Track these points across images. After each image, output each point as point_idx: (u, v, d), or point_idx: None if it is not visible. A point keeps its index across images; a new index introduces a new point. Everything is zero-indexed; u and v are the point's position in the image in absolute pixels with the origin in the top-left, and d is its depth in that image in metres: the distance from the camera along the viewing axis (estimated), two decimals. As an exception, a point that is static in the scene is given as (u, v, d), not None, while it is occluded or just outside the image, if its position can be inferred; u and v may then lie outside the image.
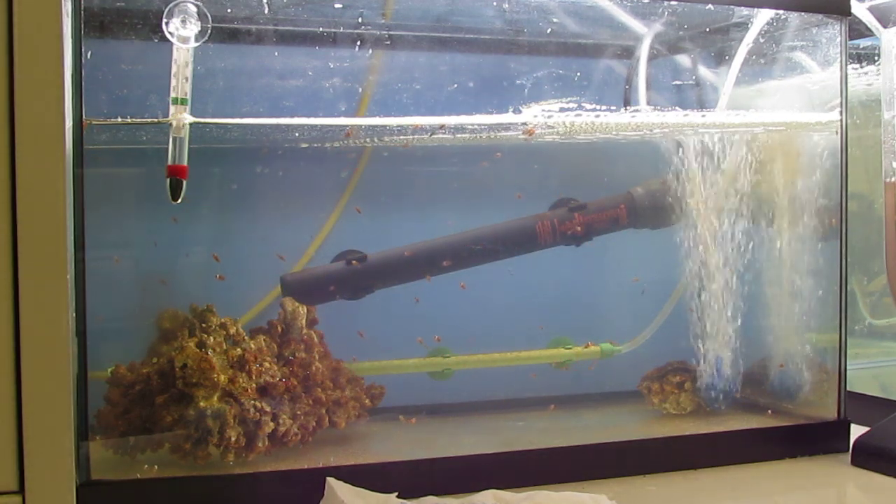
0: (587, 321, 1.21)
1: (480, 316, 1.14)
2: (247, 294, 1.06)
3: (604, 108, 1.05)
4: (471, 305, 1.14)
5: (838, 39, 1.08)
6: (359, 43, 1.06)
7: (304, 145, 1.08)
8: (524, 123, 1.03)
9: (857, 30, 1.12)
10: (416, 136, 1.04)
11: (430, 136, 1.03)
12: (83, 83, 0.80)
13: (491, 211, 1.13)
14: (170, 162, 0.88)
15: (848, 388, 1.09)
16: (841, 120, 1.08)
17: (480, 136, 1.06)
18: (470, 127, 1.03)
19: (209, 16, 0.89)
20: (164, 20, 0.87)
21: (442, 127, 1.01)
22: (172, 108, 0.88)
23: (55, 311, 0.70)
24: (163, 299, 1.01)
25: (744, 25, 1.11)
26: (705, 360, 1.13)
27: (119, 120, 0.91)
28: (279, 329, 1.01)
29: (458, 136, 1.06)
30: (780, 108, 1.14)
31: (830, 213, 1.10)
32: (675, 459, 1.01)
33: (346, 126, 1.04)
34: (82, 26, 0.80)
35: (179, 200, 0.88)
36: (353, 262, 1.06)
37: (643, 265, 1.21)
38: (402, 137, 1.04)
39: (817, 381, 1.12)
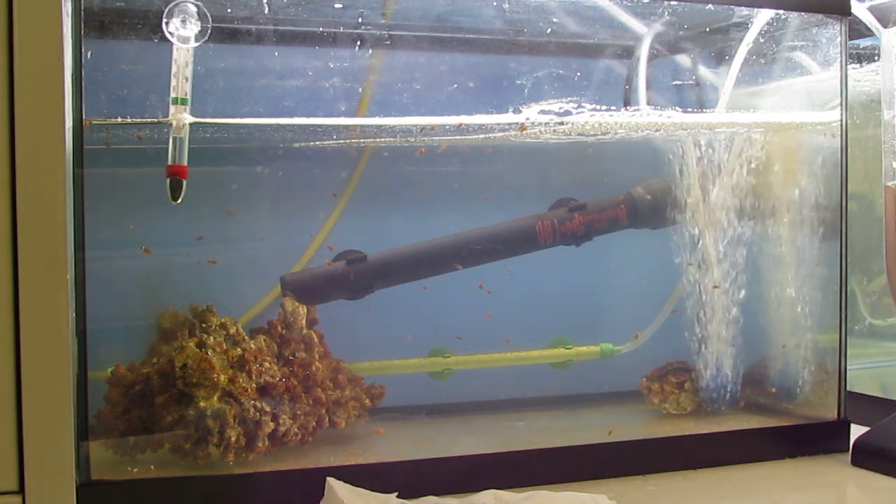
0: (587, 321, 1.21)
1: (479, 316, 1.14)
2: (247, 294, 1.06)
3: (604, 108, 1.05)
4: (470, 305, 1.14)
5: (838, 39, 1.08)
6: (359, 43, 1.06)
7: (304, 145, 1.08)
8: (529, 120, 1.03)
9: (857, 30, 1.12)
10: (450, 138, 1.05)
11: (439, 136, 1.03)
12: (83, 83, 0.80)
13: (491, 211, 1.13)
14: (170, 162, 0.88)
15: (848, 388, 1.09)
16: (841, 120, 1.08)
17: (482, 137, 1.06)
18: (470, 127, 1.03)
19: (209, 16, 0.89)
20: (164, 20, 0.87)
21: (460, 125, 1.01)
22: (172, 108, 0.88)
23: (55, 311, 0.70)
24: (164, 299, 1.01)
25: (744, 25, 1.11)
26: (705, 361, 1.13)
27: (119, 120, 0.91)
28: (279, 329, 1.01)
29: (457, 137, 1.06)
30: (780, 108, 1.14)
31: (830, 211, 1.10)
32: (675, 459, 1.01)
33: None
34: (82, 26, 0.80)
35: (179, 200, 0.88)
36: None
37: (642, 265, 1.21)
38: (439, 139, 1.05)
39: (817, 382, 1.12)
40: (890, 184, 1.06)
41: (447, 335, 1.13)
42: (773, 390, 1.13)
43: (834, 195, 1.09)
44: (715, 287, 1.13)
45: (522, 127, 1.03)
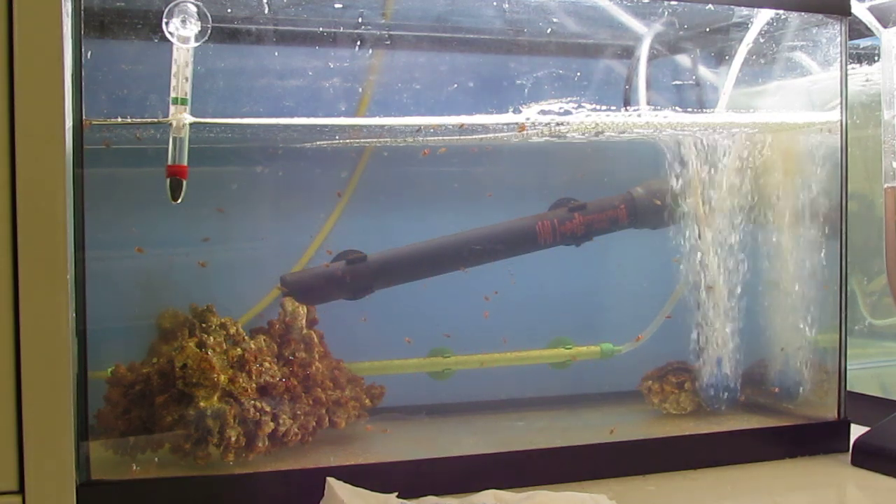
0: (587, 321, 1.21)
1: (479, 316, 1.14)
2: (247, 294, 1.06)
3: (604, 108, 1.05)
4: (470, 305, 1.14)
5: (838, 39, 1.08)
6: (359, 43, 1.06)
7: (304, 145, 1.08)
8: (529, 120, 1.03)
9: (857, 30, 1.12)
10: (450, 138, 1.05)
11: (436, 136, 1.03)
12: (83, 83, 0.80)
13: (491, 211, 1.13)
14: (170, 162, 0.88)
15: (848, 388, 1.09)
16: (841, 120, 1.08)
17: (482, 138, 1.07)
18: (470, 127, 1.03)
19: (209, 16, 0.89)
20: (164, 20, 0.87)
21: (462, 125, 1.01)
22: (172, 108, 0.88)
23: (55, 311, 0.70)
24: (164, 299, 1.01)
25: (744, 25, 1.11)
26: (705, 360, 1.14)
27: (119, 120, 0.91)
28: (279, 329, 1.01)
29: (457, 137, 1.06)
30: (780, 108, 1.14)
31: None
32: (675, 459, 1.01)
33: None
34: (82, 26, 0.80)
35: (179, 200, 0.88)
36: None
37: (643, 265, 1.21)
38: (439, 139, 1.05)
39: (817, 382, 1.12)
40: (888, 185, 1.06)
41: (446, 335, 1.13)
42: (776, 390, 1.13)
43: (834, 196, 1.09)
44: (709, 288, 1.13)
45: (522, 127, 1.03)
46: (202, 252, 1.03)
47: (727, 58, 1.15)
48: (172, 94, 0.88)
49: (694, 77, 1.24)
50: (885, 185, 1.07)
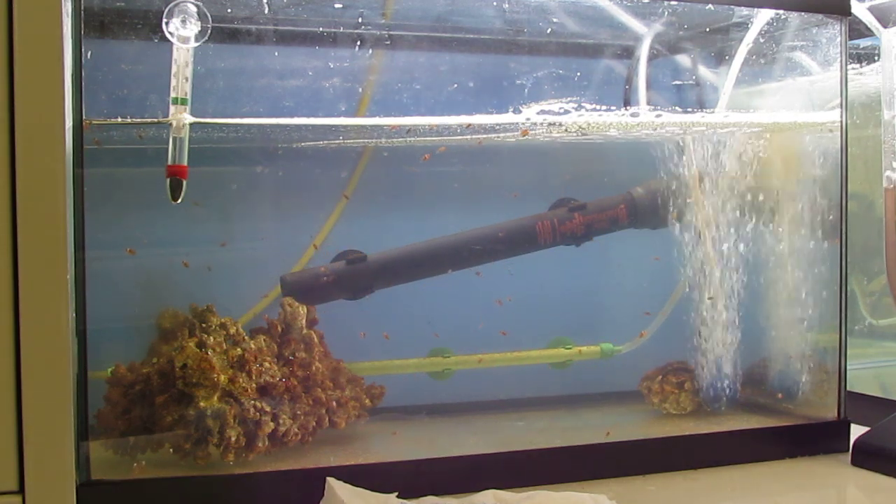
0: (587, 321, 1.21)
1: (480, 315, 1.14)
2: (247, 294, 1.06)
3: (604, 108, 1.05)
4: (471, 305, 1.14)
5: (838, 39, 1.08)
6: (359, 43, 1.06)
7: (304, 145, 1.08)
8: (529, 121, 1.03)
9: (857, 30, 1.12)
10: (449, 138, 1.04)
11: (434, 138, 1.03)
12: (83, 83, 0.80)
13: (491, 211, 1.13)
14: (170, 162, 0.88)
15: (848, 388, 1.09)
16: (841, 120, 1.08)
17: (482, 138, 1.07)
18: (471, 127, 1.03)
19: (209, 16, 0.89)
20: (164, 20, 0.87)
21: (468, 125, 1.01)
22: (172, 108, 0.88)
23: (55, 311, 0.70)
24: (164, 299, 1.01)
25: (744, 25, 1.11)
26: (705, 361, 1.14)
27: (119, 120, 0.91)
28: (279, 329, 1.01)
29: (456, 137, 1.06)
30: (780, 108, 1.14)
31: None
32: (675, 459, 1.01)
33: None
34: (82, 26, 0.80)
35: (179, 200, 0.88)
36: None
37: (643, 265, 1.21)
38: (439, 139, 1.05)
39: (817, 381, 1.12)
40: (889, 186, 1.06)
41: (445, 336, 1.13)
42: (781, 395, 1.13)
43: (833, 196, 1.09)
44: (710, 298, 1.13)
45: (524, 132, 1.03)
46: (203, 253, 1.03)
47: (727, 58, 1.15)
48: (172, 94, 0.88)
49: (694, 77, 1.24)
50: (885, 185, 1.07)
